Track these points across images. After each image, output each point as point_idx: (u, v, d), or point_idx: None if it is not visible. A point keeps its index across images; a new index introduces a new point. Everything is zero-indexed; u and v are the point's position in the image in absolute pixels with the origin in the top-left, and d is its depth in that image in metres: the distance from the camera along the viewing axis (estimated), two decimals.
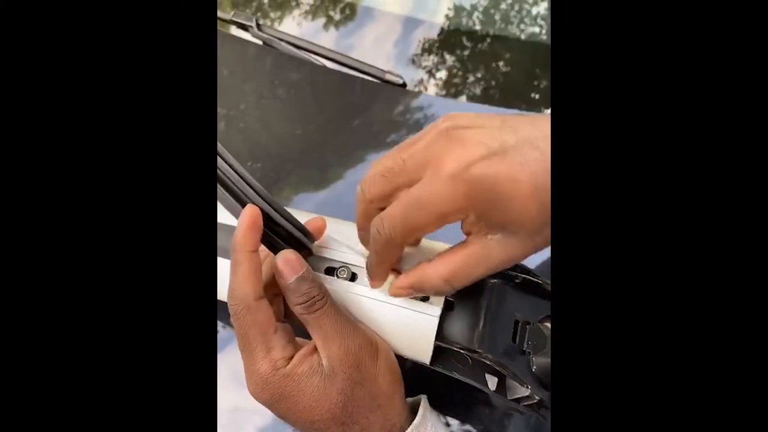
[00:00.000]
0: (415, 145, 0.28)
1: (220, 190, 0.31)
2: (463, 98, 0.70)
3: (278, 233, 0.32)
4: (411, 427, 0.33)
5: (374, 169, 0.30)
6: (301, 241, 0.34)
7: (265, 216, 0.31)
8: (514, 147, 0.26)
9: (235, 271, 0.31)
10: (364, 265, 0.36)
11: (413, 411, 0.34)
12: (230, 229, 0.36)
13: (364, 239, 0.33)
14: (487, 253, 0.28)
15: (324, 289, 0.32)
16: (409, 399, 0.36)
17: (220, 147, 0.31)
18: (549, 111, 0.31)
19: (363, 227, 0.32)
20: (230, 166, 0.31)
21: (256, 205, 0.31)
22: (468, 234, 0.29)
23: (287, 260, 0.32)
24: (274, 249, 0.33)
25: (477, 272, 0.30)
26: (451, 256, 0.30)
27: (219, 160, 0.30)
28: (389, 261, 0.32)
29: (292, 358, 0.32)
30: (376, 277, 0.34)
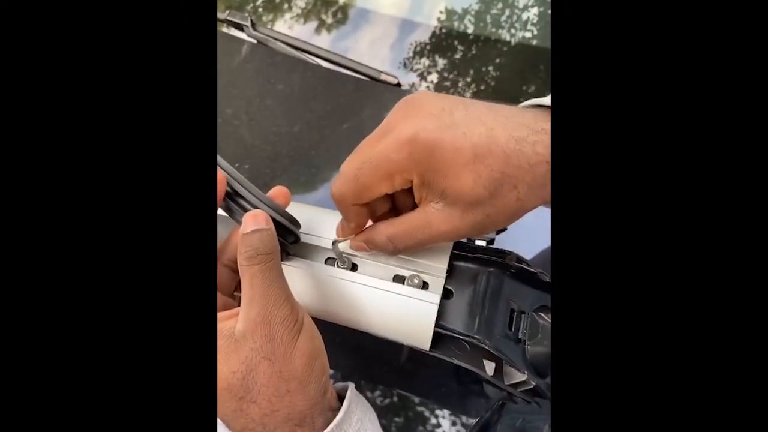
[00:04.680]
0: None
1: None
2: None
3: (245, 208, 0.33)
4: (331, 425, 0.29)
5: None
6: (286, 227, 0.35)
7: (233, 191, 0.33)
8: (463, 120, 0.29)
9: None
10: (363, 255, 0.37)
11: (341, 400, 0.31)
12: (228, 220, 0.36)
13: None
14: (428, 219, 0.31)
15: (274, 253, 0.31)
16: (339, 384, 0.33)
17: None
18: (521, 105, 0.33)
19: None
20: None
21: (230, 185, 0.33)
22: (418, 203, 0.32)
23: (255, 215, 0.32)
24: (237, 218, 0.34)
25: (418, 236, 0.32)
26: (399, 219, 0.33)
27: None
28: (352, 218, 0.34)
29: None
30: (343, 231, 0.35)
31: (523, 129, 0.29)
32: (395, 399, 0.44)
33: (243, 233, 0.31)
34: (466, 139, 0.28)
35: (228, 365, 0.28)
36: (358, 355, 0.45)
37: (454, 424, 0.43)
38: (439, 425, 0.42)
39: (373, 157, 0.30)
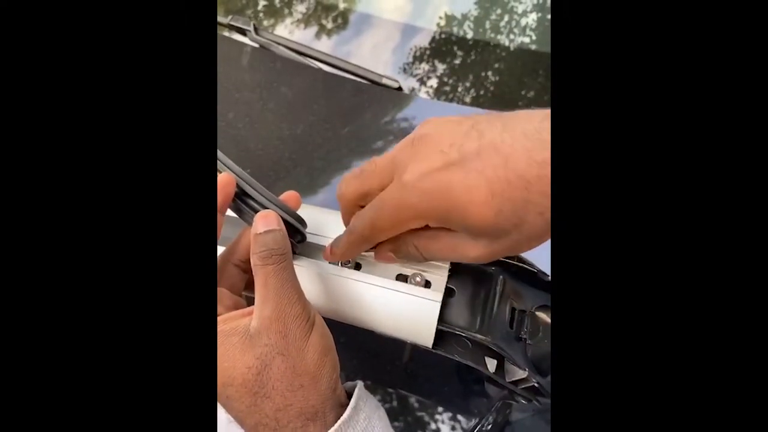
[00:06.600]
0: (391, 151, 0.31)
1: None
2: (454, 104, 0.71)
3: (254, 209, 0.34)
4: (339, 422, 0.29)
5: (351, 172, 0.33)
6: (294, 226, 0.35)
7: (242, 191, 0.34)
8: (475, 154, 0.27)
9: None
10: (366, 254, 0.37)
11: (350, 398, 0.31)
12: (232, 219, 0.36)
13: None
14: (455, 243, 0.30)
15: (287, 253, 0.32)
16: (347, 383, 0.34)
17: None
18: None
19: (346, 222, 0.35)
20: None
21: (238, 183, 0.34)
22: None
23: (266, 215, 0.33)
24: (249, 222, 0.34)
25: (446, 256, 0.32)
26: (429, 234, 0.31)
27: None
28: (357, 252, 0.35)
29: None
30: (337, 256, 0.35)
31: (545, 149, 0.26)
32: (395, 404, 0.44)
33: (256, 233, 0.32)
34: (480, 176, 0.26)
35: (243, 361, 0.29)
36: (361, 355, 0.45)
37: (453, 428, 0.43)
38: (438, 430, 0.42)
39: (385, 202, 0.30)
